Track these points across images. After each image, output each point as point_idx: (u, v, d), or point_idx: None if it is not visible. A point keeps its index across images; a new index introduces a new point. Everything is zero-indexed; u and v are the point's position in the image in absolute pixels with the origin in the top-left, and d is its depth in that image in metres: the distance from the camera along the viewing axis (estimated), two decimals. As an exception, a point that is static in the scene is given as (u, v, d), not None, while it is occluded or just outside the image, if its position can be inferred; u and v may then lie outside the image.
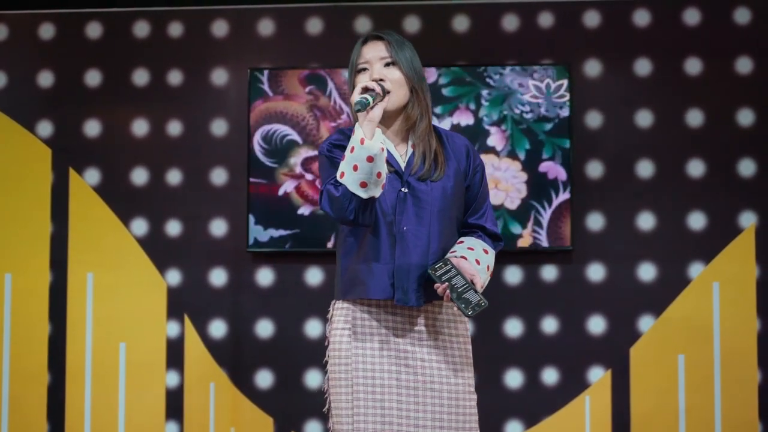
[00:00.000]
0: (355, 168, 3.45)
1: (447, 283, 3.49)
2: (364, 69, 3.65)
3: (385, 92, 3.55)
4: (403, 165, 3.64)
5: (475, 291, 3.50)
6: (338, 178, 3.49)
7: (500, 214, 5.90)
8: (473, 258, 3.60)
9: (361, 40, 3.69)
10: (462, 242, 3.68)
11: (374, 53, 3.64)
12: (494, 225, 3.75)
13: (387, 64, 3.62)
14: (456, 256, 3.57)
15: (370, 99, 3.47)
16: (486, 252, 3.67)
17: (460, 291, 3.49)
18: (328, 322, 3.70)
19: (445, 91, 5.94)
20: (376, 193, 3.50)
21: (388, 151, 3.63)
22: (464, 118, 5.94)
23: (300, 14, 6.14)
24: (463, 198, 3.71)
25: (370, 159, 3.43)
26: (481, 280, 3.58)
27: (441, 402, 3.60)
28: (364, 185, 3.46)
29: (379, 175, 3.46)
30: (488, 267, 3.66)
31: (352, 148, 3.45)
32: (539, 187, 5.92)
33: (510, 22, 6.08)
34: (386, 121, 3.65)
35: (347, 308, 3.63)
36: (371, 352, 3.59)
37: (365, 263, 3.60)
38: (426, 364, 3.60)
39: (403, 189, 3.62)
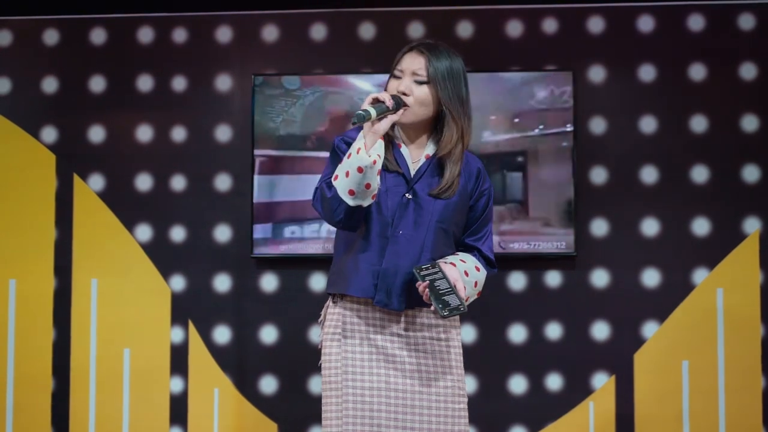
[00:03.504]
0: (347, 174, 3.51)
1: (428, 282, 3.52)
2: (398, 77, 3.67)
3: (400, 106, 3.59)
4: (413, 172, 3.68)
5: (458, 296, 3.53)
6: (332, 180, 3.56)
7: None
8: (462, 268, 3.64)
9: (408, 46, 3.71)
10: (456, 255, 3.73)
11: (410, 65, 3.66)
12: (490, 251, 3.78)
13: (417, 81, 3.64)
14: (445, 262, 3.62)
15: (373, 112, 3.50)
16: (477, 269, 3.71)
17: (441, 293, 3.53)
18: (320, 325, 3.75)
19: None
20: (365, 203, 3.55)
21: (402, 156, 3.69)
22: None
23: (304, 20, 6.14)
24: (465, 217, 3.74)
25: (360, 170, 3.49)
26: (466, 289, 3.62)
27: (429, 405, 3.64)
28: (352, 193, 3.52)
29: (368, 186, 3.51)
30: (476, 283, 3.70)
31: (349, 155, 3.52)
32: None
33: (514, 28, 6.08)
34: (408, 131, 3.70)
35: (338, 313, 3.68)
36: (360, 356, 3.64)
37: (353, 260, 3.66)
38: (414, 367, 3.65)
39: (407, 195, 3.66)
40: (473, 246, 3.76)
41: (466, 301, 3.63)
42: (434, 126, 3.71)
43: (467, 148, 3.74)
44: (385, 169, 3.65)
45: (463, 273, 3.62)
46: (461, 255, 3.71)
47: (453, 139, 3.66)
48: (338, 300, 3.70)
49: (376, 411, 3.61)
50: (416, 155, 3.71)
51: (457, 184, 3.68)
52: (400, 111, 3.59)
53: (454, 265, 3.62)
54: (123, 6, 6.19)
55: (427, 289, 3.52)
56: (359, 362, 3.63)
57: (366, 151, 3.49)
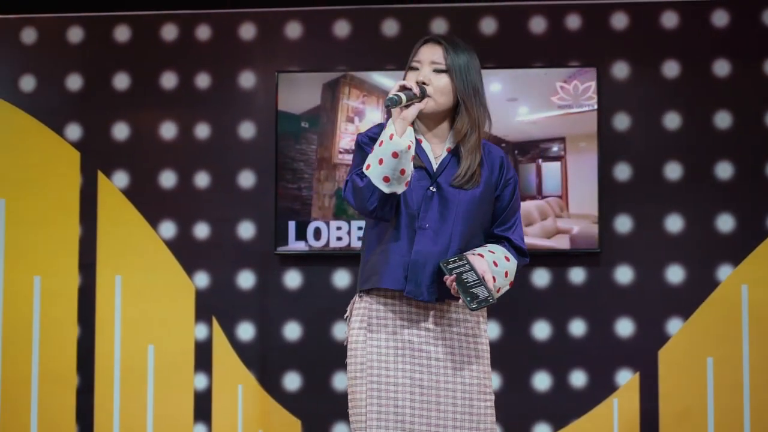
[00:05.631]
0: (381, 162, 3.51)
1: (455, 275, 3.51)
2: (415, 68, 3.68)
3: (424, 95, 3.60)
4: (435, 166, 3.68)
5: (486, 288, 3.51)
6: (364, 169, 3.55)
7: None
8: (491, 259, 3.63)
9: (423, 39, 3.73)
10: (485, 246, 3.71)
11: (428, 56, 3.68)
12: (521, 240, 3.77)
13: (437, 70, 3.66)
14: (473, 254, 3.60)
15: (403, 97, 3.52)
16: (507, 259, 3.69)
17: (469, 285, 3.51)
18: (346, 321, 3.74)
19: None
20: (399, 189, 3.55)
21: (423, 150, 3.69)
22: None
23: (327, 17, 6.15)
24: (492, 207, 3.73)
25: (395, 155, 3.48)
26: (496, 280, 3.60)
27: (455, 402, 3.62)
28: (387, 180, 3.52)
29: (402, 171, 3.51)
30: (507, 273, 3.67)
31: (381, 142, 3.52)
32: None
33: (538, 24, 6.07)
34: (428, 122, 3.70)
35: (364, 307, 3.67)
36: (386, 351, 3.62)
37: (383, 255, 3.65)
38: (440, 363, 3.62)
39: (431, 188, 3.65)
40: (503, 236, 3.74)
41: (498, 291, 3.62)
42: (453, 117, 3.71)
43: (486, 138, 3.74)
44: None
45: (492, 263, 3.61)
46: (490, 246, 3.70)
47: (464, 128, 3.67)
48: (364, 295, 3.69)
49: (401, 408, 3.58)
50: (438, 149, 3.71)
51: (479, 174, 3.67)
52: (425, 99, 3.61)
53: (483, 256, 3.60)
54: (147, 3, 6.21)
55: (454, 283, 3.51)
56: (384, 357, 3.61)
57: (399, 137, 3.50)
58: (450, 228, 3.63)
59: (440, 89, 3.64)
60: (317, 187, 6.01)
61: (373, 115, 5.99)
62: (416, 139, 3.66)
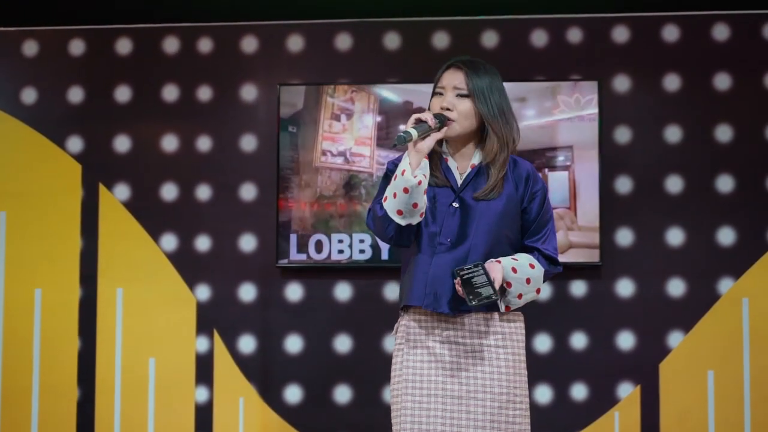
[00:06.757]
0: (395, 196, 3.65)
1: (459, 279, 3.59)
2: (440, 94, 3.78)
3: (443, 123, 3.69)
4: (460, 182, 3.78)
5: (492, 288, 3.59)
6: (383, 201, 3.70)
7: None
8: (510, 265, 3.71)
9: (446, 64, 3.82)
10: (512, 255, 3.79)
11: (451, 81, 3.77)
12: (552, 249, 3.84)
13: (459, 95, 3.75)
14: (491, 261, 3.69)
15: (414, 133, 3.60)
16: (532, 266, 3.76)
17: (476, 286, 3.60)
18: (394, 337, 3.89)
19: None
20: (414, 220, 3.70)
21: (449, 168, 3.79)
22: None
23: (329, 30, 6.16)
24: (518, 220, 3.80)
25: (406, 190, 3.62)
26: (512, 286, 3.69)
27: (484, 411, 3.71)
28: (400, 213, 3.67)
29: (415, 205, 3.65)
30: (528, 280, 3.74)
31: (396, 176, 3.66)
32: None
33: (539, 38, 6.09)
34: (455, 144, 3.81)
35: (405, 324, 3.81)
36: (420, 364, 3.75)
37: (410, 274, 3.80)
38: (471, 374, 3.73)
39: (454, 204, 3.76)
40: (532, 247, 3.82)
41: (519, 297, 3.71)
42: (480, 136, 3.81)
43: (514, 153, 3.82)
44: (434, 185, 3.75)
45: (511, 270, 3.69)
46: (516, 255, 3.77)
47: (494, 149, 3.76)
48: (404, 313, 3.82)
49: (432, 418, 3.71)
50: (463, 166, 3.81)
51: (501, 186, 3.76)
52: (444, 128, 3.70)
53: (500, 262, 3.69)
54: (148, 16, 6.21)
55: (459, 284, 3.59)
56: (419, 370, 3.74)
57: (411, 172, 3.61)
58: (470, 240, 3.73)
59: (464, 113, 3.74)
60: (298, 195, 6.01)
61: (366, 117, 5.98)
62: (443, 158, 3.80)
